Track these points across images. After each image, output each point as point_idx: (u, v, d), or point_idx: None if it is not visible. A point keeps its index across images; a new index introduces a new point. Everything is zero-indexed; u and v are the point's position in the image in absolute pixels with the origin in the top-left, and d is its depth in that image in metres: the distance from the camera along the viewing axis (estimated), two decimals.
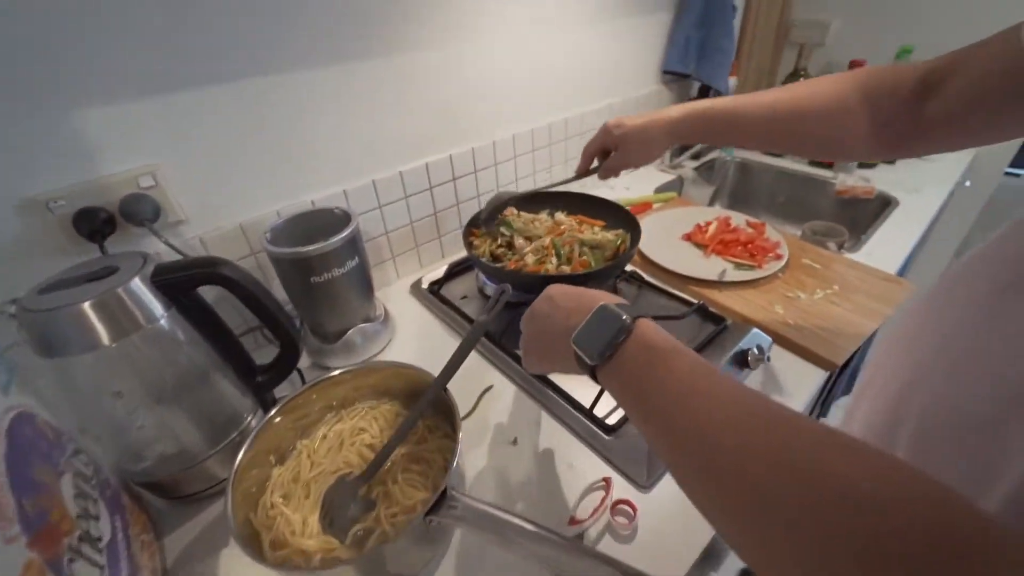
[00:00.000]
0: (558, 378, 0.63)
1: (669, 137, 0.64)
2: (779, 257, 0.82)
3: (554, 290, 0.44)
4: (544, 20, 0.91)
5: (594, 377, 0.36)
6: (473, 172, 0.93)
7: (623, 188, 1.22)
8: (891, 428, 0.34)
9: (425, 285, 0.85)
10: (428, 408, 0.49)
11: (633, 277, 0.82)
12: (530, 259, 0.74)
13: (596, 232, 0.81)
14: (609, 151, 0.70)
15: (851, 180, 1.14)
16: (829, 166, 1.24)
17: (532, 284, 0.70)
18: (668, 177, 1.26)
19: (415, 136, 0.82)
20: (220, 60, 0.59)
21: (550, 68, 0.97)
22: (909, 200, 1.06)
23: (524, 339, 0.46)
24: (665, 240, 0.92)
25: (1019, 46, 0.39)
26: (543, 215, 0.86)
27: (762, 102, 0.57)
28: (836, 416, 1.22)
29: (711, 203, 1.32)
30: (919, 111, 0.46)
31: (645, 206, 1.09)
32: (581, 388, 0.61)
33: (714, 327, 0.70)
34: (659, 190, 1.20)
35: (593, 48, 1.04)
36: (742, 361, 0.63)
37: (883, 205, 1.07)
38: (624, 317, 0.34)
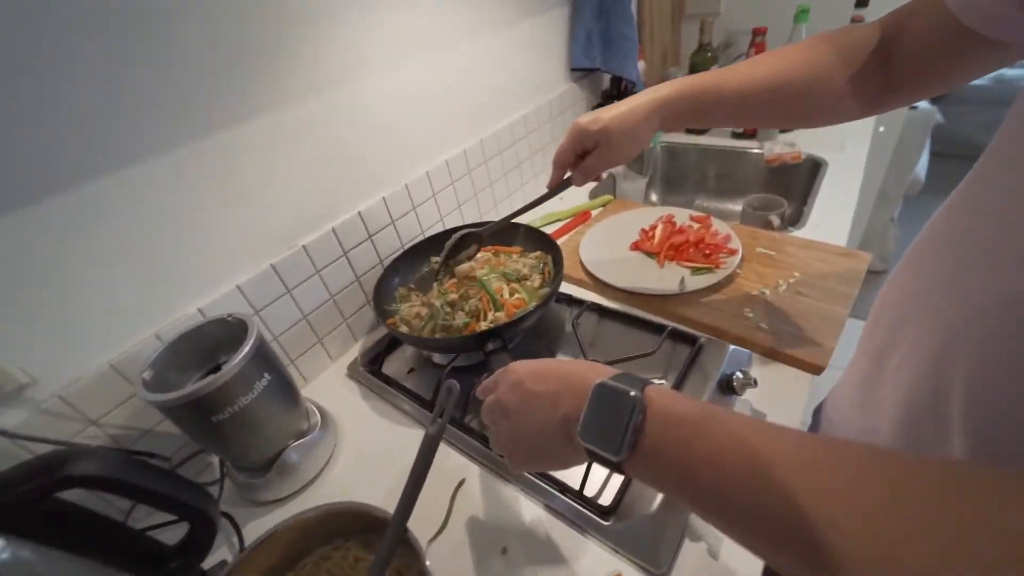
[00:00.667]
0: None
1: (656, 120, 0.56)
2: (733, 252, 0.78)
3: (519, 372, 0.38)
4: (430, 42, 0.81)
5: (619, 470, 0.31)
6: (391, 223, 0.82)
7: (557, 200, 1.14)
8: (935, 404, 0.31)
9: (363, 364, 0.74)
10: (391, 554, 0.40)
11: (592, 307, 0.74)
12: (459, 320, 0.65)
13: (516, 260, 0.74)
14: (585, 153, 0.61)
15: (777, 148, 1.13)
16: (752, 136, 1.23)
17: (471, 344, 0.61)
18: None
19: (312, 202, 0.70)
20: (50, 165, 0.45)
21: (451, 91, 0.88)
22: (837, 159, 1.06)
23: (500, 439, 0.39)
24: (614, 255, 0.85)
25: None
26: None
27: (743, 75, 0.53)
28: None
29: (646, 195, 1.28)
30: (888, 66, 0.47)
31: (584, 215, 1.03)
32: (571, 472, 0.53)
33: (689, 348, 0.65)
34: (593, 194, 1.14)
35: (493, 60, 0.95)
36: (727, 387, 0.58)
37: (814, 168, 1.06)
38: (632, 393, 0.30)
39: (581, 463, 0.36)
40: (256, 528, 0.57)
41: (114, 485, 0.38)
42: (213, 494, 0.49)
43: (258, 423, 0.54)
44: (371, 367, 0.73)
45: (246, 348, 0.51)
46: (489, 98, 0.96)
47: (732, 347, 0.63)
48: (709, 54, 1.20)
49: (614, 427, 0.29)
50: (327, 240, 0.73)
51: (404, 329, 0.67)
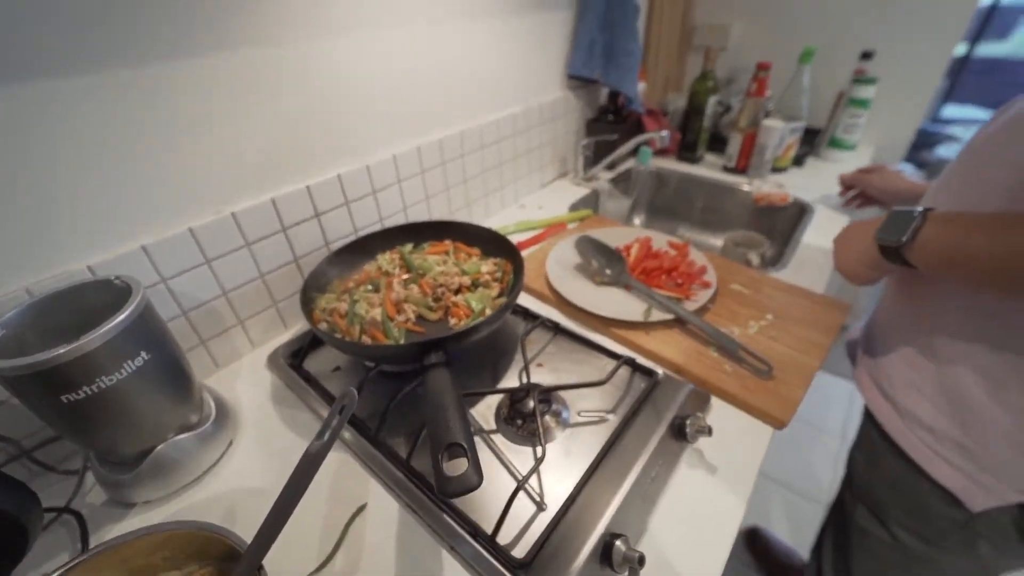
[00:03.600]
0: (462, 501, 0.46)
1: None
2: (707, 285, 0.72)
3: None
4: (424, 12, 0.75)
5: (900, 258, 0.48)
6: (344, 204, 0.74)
7: (536, 207, 1.08)
8: None
9: (284, 356, 0.65)
10: None
11: (548, 324, 0.68)
12: (376, 313, 0.58)
13: (476, 262, 0.68)
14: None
15: (766, 187, 1.09)
16: (742, 171, 1.20)
17: (406, 355, 0.53)
18: (583, 191, 1.15)
19: (253, 166, 0.63)
20: None
21: (436, 71, 0.81)
22: (824, 207, 1.02)
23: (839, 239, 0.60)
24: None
25: None
26: (406, 248, 0.72)
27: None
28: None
29: (629, 217, 1.23)
30: None
31: (559, 227, 0.97)
32: (486, 506, 0.46)
33: (646, 382, 0.58)
34: (573, 207, 1.08)
35: (489, 49, 0.89)
36: (679, 431, 0.51)
37: (800, 212, 1.03)
38: (915, 212, 0.47)
39: (868, 265, 0.54)
40: (112, 534, 0.48)
41: None
42: (33, 491, 0.40)
43: (125, 410, 0.45)
44: (292, 360, 0.64)
45: (119, 317, 0.42)
46: (476, 88, 0.90)
47: (690, 386, 0.57)
48: (711, 83, 1.16)
49: (902, 227, 0.47)
50: (264, 210, 0.65)
51: (324, 326, 0.59)
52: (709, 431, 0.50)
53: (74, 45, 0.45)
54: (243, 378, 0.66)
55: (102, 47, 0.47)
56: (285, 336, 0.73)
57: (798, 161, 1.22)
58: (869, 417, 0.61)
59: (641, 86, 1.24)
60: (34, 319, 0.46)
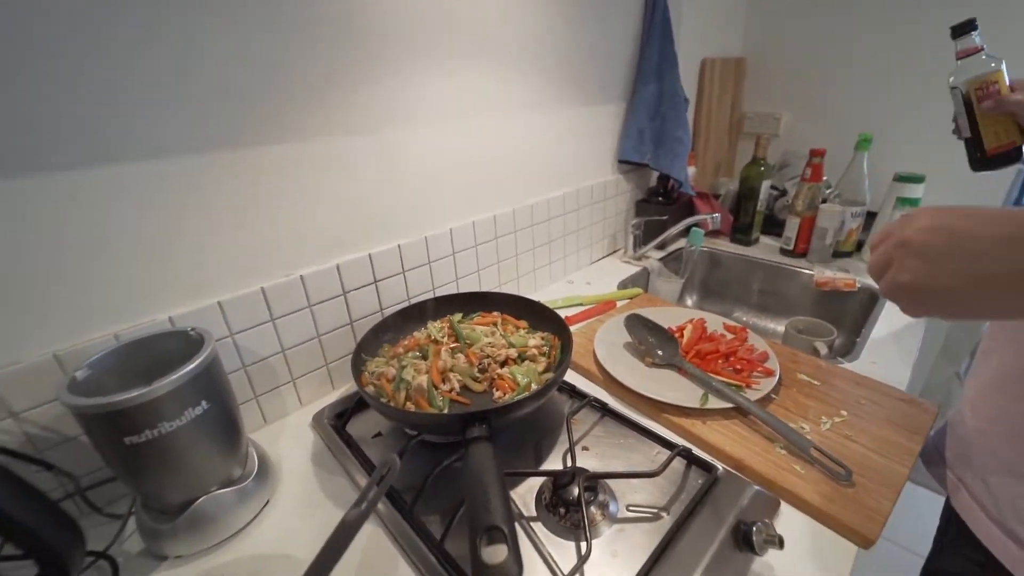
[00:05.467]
0: None
1: None
2: (769, 373, 0.68)
3: (927, 218, 0.33)
4: (490, 107, 0.83)
5: None
6: (401, 272, 0.78)
7: (584, 283, 1.09)
8: None
9: (328, 417, 0.66)
10: None
11: (595, 404, 0.65)
12: (423, 380, 0.58)
13: (523, 334, 0.67)
14: None
15: (829, 271, 1.04)
16: (803, 255, 1.16)
17: (449, 426, 0.52)
18: (633, 270, 1.15)
19: (323, 235, 0.68)
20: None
21: (498, 156, 0.88)
22: None
23: (902, 280, 0.34)
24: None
25: None
26: (456, 316, 0.73)
27: None
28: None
29: (681, 297, 1.20)
30: None
31: (608, 304, 0.96)
32: None
33: (703, 477, 0.53)
34: (623, 285, 1.08)
35: (546, 136, 0.96)
36: (744, 540, 0.45)
37: (870, 300, 0.96)
38: None
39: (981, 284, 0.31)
40: None
41: None
42: (83, 532, 0.40)
43: (178, 457, 0.47)
44: (336, 422, 0.65)
45: (189, 367, 0.45)
46: (531, 170, 0.96)
47: (756, 488, 0.51)
48: (762, 168, 1.18)
49: None
50: (329, 275, 0.69)
51: (371, 389, 0.59)
52: (780, 543, 0.44)
53: (188, 133, 0.53)
54: (287, 435, 0.67)
55: (208, 134, 0.55)
56: (332, 397, 0.74)
57: (863, 246, 1.17)
58: (968, 538, 0.51)
59: (691, 170, 1.27)
60: (116, 362, 0.50)
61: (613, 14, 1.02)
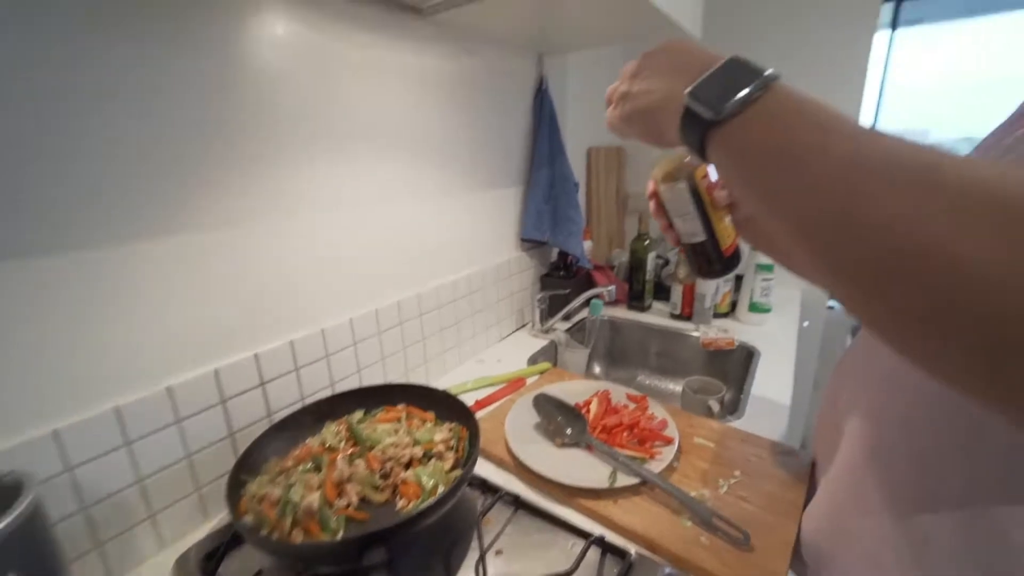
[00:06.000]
0: None
1: None
2: (669, 440, 0.71)
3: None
4: (395, 194, 0.84)
5: (701, 145, 0.31)
6: (294, 370, 0.72)
7: (495, 361, 1.09)
8: None
9: (196, 558, 0.55)
10: None
11: (507, 498, 0.62)
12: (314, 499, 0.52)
13: (430, 428, 0.64)
14: None
15: (712, 332, 1.16)
16: (689, 318, 1.28)
17: (341, 555, 0.46)
18: (542, 342, 1.18)
19: (198, 336, 0.61)
20: None
21: (399, 241, 0.88)
22: (769, 349, 1.08)
23: (636, 70, 0.38)
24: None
25: None
26: (355, 416, 0.68)
27: None
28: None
29: (588, 366, 1.24)
30: None
31: (518, 383, 0.96)
32: None
33: (618, 565, 0.52)
34: (532, 359, 1.10)
35: (448, 219, 0.99)
36: None
37: (748, 356, 1.08)
38: (767, 72, 0.29)
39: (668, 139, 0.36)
40: None
41: None
42: None
43: None
44: (205, 563, 0.54)
45: None
46: (435, 254, 0.97)
47: (667, 569, 0.51)
48: (647, 242, 1.31)
49: (727, 92, 0.29)
50: (204, 382, 0.61)
51: (250, 518, 0.51)
52: None
53: (48, 232, 0.47)
54: None
55: (69, 231, 0.49)
56: (205, 530, 0.62)
57: (736, 307, 1.32)
58: None
59: (588, 244, 1.38)
60: None
61: (511, 108, 1.12)
